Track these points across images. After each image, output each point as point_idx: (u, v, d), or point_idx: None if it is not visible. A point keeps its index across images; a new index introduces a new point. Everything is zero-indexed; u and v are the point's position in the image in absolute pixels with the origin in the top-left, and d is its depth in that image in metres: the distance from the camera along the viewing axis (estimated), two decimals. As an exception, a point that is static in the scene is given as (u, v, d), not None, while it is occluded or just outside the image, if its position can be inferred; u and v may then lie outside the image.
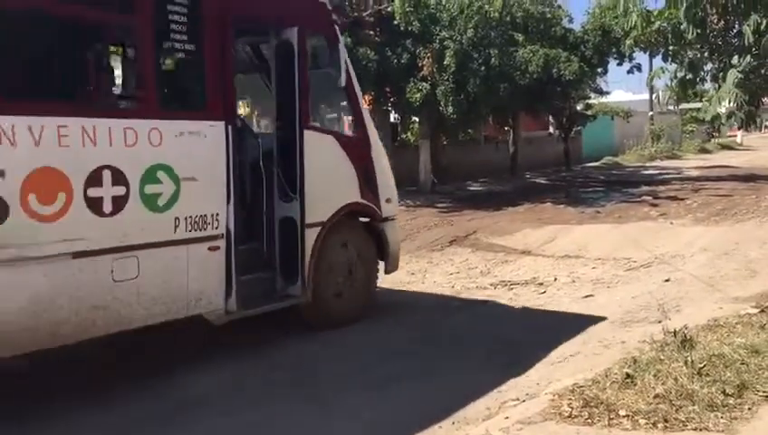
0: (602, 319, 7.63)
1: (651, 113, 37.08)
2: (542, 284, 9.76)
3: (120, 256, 5.23)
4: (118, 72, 6.10)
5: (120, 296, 5.25)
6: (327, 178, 6.97)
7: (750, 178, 21.54)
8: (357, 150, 7.42)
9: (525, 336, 7.12)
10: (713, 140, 40.02)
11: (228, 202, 5.98)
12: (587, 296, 8.90)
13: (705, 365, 5.16)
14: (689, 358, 5.23)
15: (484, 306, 8.52)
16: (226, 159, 5.94)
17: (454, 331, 7.44)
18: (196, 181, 5.70)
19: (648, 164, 30.07)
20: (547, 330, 7.39)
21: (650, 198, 17.82)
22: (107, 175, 5.12)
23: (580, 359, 6.26)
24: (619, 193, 19.48)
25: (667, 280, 9.45)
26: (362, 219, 7.80)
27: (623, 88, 53.15)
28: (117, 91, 6.07)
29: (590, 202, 18.01)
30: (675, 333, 5.86)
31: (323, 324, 7.21)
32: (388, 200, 7.83)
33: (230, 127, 5.97)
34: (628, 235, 12.89)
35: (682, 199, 17.31)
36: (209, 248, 5.88)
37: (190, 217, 5.69)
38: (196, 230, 5.73)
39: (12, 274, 4.67)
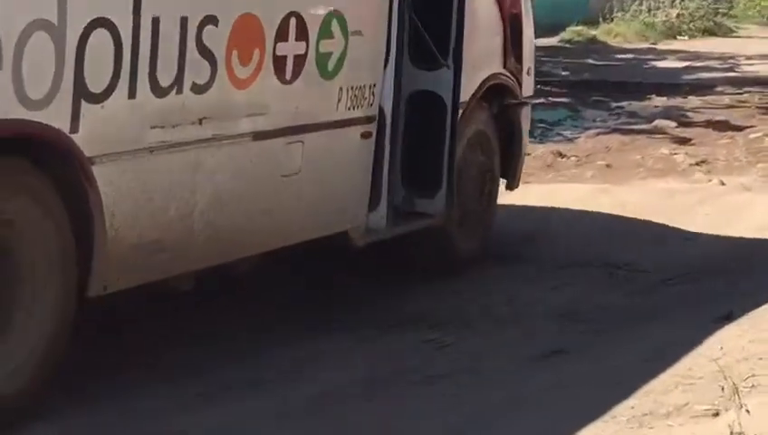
0: (594, 408, 4.00)
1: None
2: (463, 324, 5.31)
3: (289, 139, 4.74)
4: None
5: (284, 199, 4.78)
6: (474, 35, 5.87)
7: None
8: None
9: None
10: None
11: (385, 67, 5.24)
12: (553, 354, 5.00)
13: None
14: None
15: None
16: (390, 2, 5.18)
17: None
18: (360, 37, 5.06)
19: (663, 46, 17.79)
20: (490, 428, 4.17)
21: (672, 123, 10.52)
22: (293, 26, 4.63)
23: None
24: (605, 111, 11.58)
25: (725, 317, 5.46)
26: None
27: None
28: None
29: (543, 130, 10.34)
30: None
31: (437, 266, 5.80)
32: (528, 72, 6.69)
33: None
34: (631, 207, 7.32)
35: (739, 129, 10.30)
36: (362, 135, 5.16)
37: (351, 88, 5.05)
38: (353, 108, 5.06)
39: (208, 156, 4.19)
